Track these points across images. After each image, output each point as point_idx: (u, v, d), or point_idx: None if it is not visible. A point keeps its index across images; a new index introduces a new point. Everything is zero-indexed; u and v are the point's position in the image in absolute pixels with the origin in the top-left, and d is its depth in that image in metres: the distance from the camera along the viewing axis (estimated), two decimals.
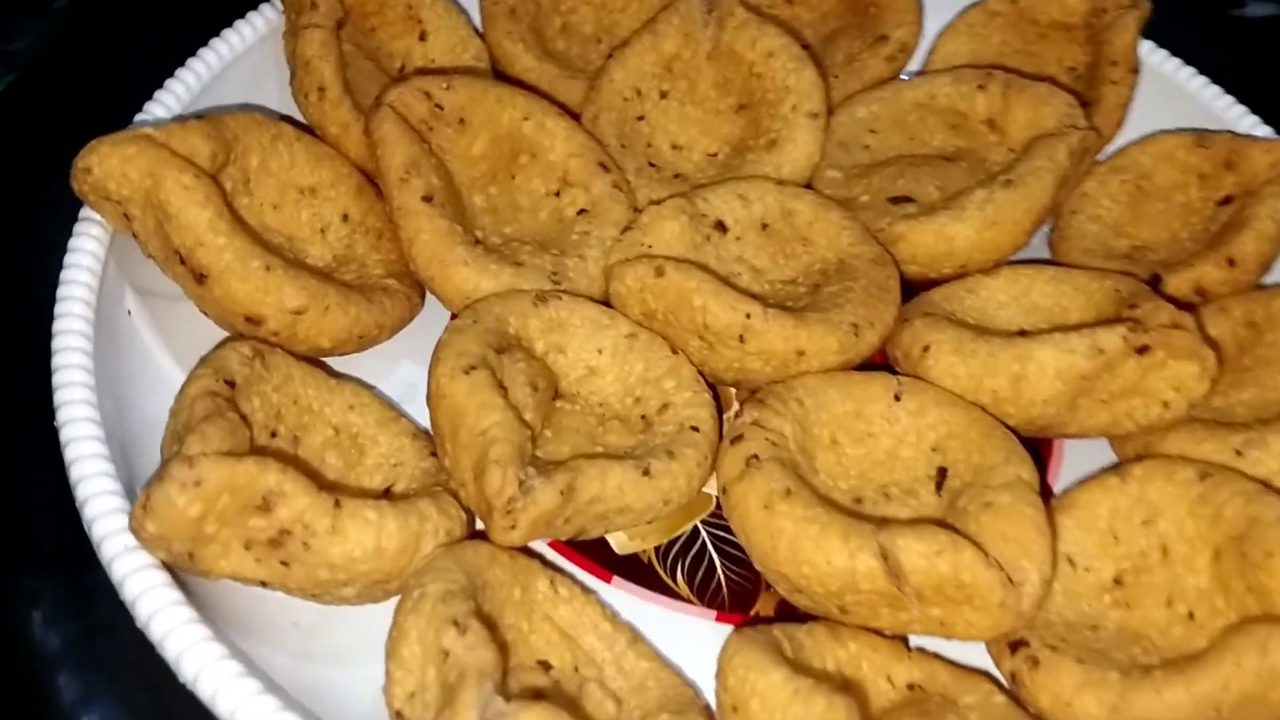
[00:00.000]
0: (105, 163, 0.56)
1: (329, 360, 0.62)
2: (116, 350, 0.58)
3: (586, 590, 0.53)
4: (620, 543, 0.59)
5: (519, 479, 0.50)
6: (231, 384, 0.52)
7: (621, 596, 0.57)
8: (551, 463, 0.54)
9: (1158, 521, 0.56)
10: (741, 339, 0.59)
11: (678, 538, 0.60)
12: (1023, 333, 0.64)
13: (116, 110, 0.65)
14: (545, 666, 0.51)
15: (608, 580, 0.57)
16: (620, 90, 0.71)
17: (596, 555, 0.58)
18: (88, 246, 0.59)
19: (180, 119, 0.61)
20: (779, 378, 0.60)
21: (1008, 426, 0.59)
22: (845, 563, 0.50)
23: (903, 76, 0.79)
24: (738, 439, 0.56)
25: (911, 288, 0.67)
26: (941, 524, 0.53)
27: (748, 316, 0.58)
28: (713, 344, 0.60)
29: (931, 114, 0.73)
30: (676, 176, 0.71)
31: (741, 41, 0.71)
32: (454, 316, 0.60)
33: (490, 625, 0.48)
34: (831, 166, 0.71)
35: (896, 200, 0.68)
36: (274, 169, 0.63)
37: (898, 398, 0.59)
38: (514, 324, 0.59)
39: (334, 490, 0.50)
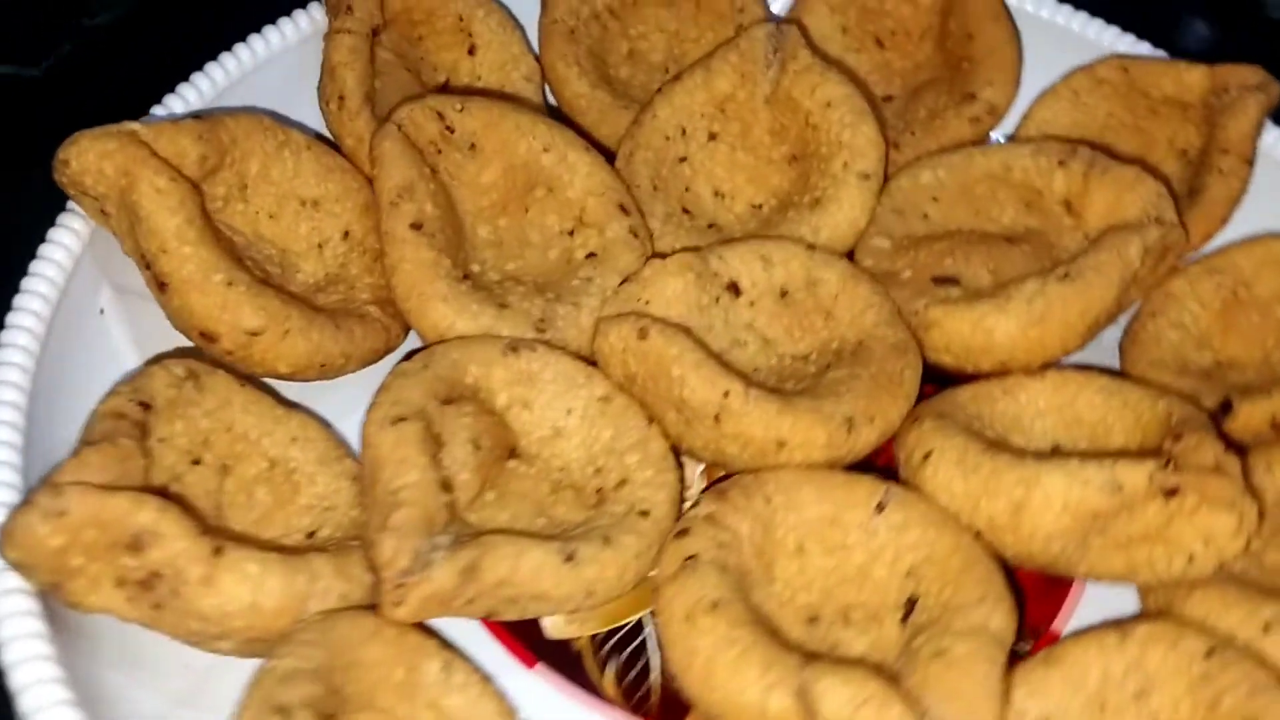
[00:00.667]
0: (82, 157, 0.54)
1: (303, 386, 0.59)
2: (79, 350, 0.57)
3: (485, 680, 0.48)
4: (554, 624, 0.54)
5: (415, 551, 0.46)
6: (147, 406, 0.50)
7: (541, 687, 0.52)
8: (473, 532, 0.50)
9: (1152, 695, 0.48)
10: (717, 419, 0.53)
11: (620, 628, 0.55)
12: (1056, 449, 0.57)
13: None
14: None
15: (530, 665, 0.53)
16: (663, 128, 0.66)
17: (524, 635, 0.54)
18: (63, 240, 0.57)
19: (194, 116, 0.60)
20: (757, 466, 0.54)
21: (1005, 559, 0.52)
22: (757, 697, 0.45)
23: (996, 139, 0.72)
24: (682, 533, 0.51)
25: (948, 379, 0.60)
26: (881, 668, 0.46)
27: (725, 395, 0.53)
28: (690, 420, 0.54)
29: (1004, 187, 0.65)
30: (711, 226, 0.66)
31: (800, 87, 0.65)
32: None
33: (347, 710, 0.44)
34: (881, 234, 0.64)
35: (940, 280, 0.62)
36: (275, 177, 0.61)
37: (881, 508, 0.53)
38: (474, 372, 0.54)
39: (224, 535, 0.47)
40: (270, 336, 0.55)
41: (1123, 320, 0.65)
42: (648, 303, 0.58)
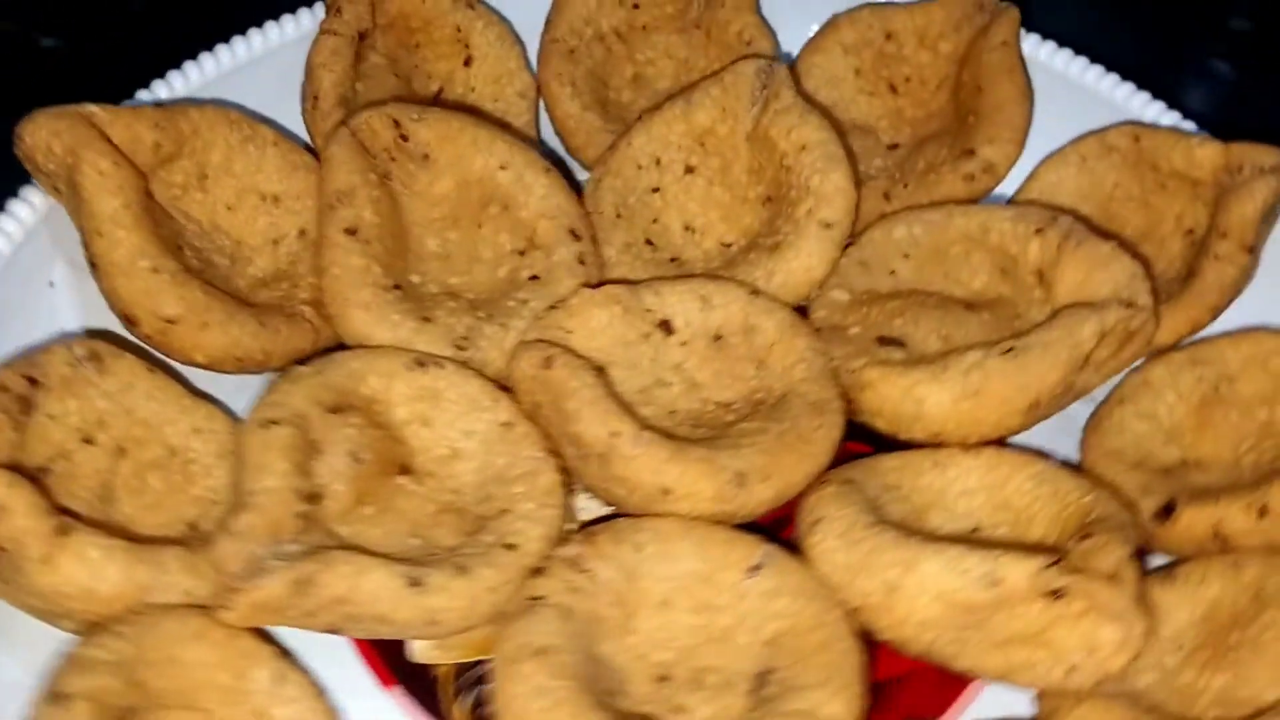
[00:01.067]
0: (35, 134, 0.56)
1: (235, 380, 0.59)
2: (22, 319, 0.59)
3: (319, 694, 0.48)
4: (421, 648, 0.54)
5: (250, 556, 0.46)
6: (34, 381, 0.51)
7: (390, 710, 0.51)
8: (334, 544, 0.49)
9: None
10: (604, 459, 0.52)
11: (484, 660, 0.53)
12: (975, 531, 0.54)
13: None
14: None
15: (387, 686, 0.52)
16: (636, 156, 0.65)
17: (387, 654, 0.53)
18: (18, 211, 0.59)
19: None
20: (644, 511, 0.53)
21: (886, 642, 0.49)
22: None
23: (1002, 196, 0.69)
24: (537, 572, 0.49)
25: (887, 442, 0.58)
26: None
27: (614, 435, 0.51)
28: (583, 456, 0.53)
29: (980, 250, 0.62)
30: (673, 260, 0.64)
31: (778, 127, 0.63)
32: None
33: (152, 706, 0.44)
34: (841, 286, 0.62)
35: (885, 341, 0.59)
36: (238, 170, 0.62)
37: (755, 570, 0.50)
38: (372, 383, 0.54)
39: (91, 520, 0.48)
40: (187, 326, 0.55)
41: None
42: (570, 332, 0.57)
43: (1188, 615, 0.51)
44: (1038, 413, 0.56)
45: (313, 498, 0.50)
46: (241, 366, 0.58)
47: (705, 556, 0.51)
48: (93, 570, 0.46)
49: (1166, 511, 0.54)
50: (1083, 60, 0.71)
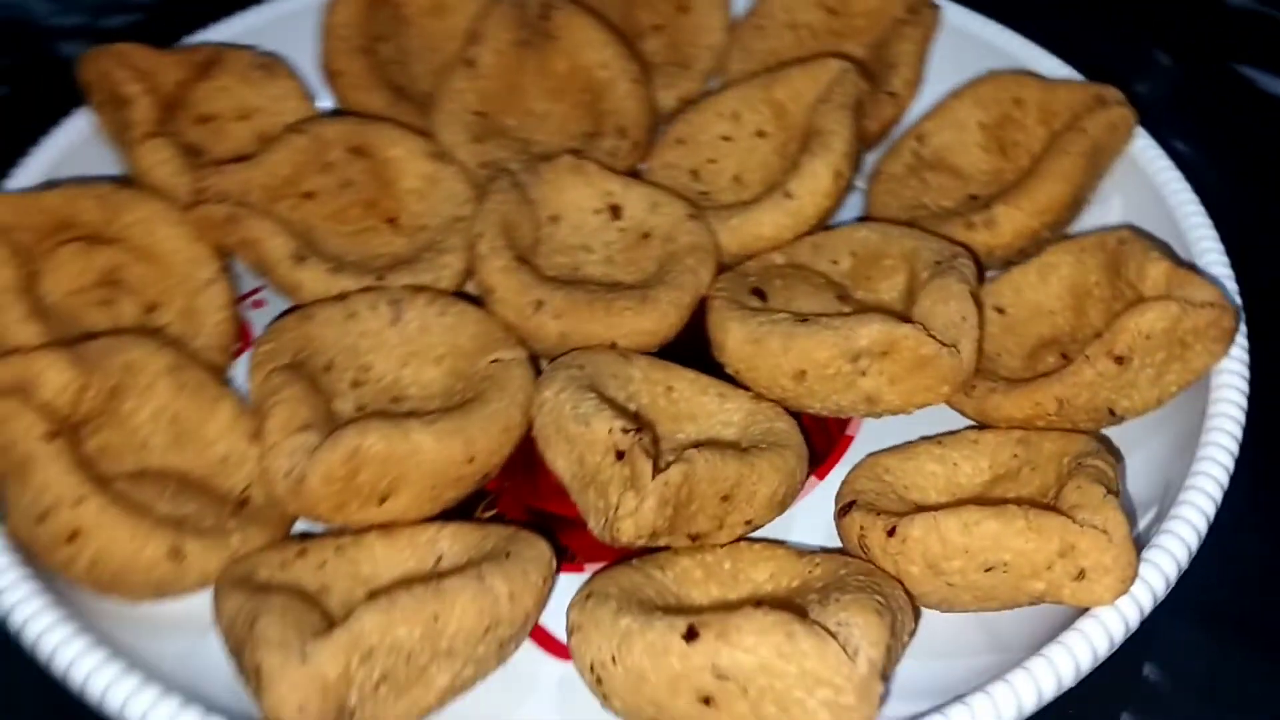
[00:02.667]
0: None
1: None
2: None
3: None
4: None
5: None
6: (214, 61, 0.77)
7: None
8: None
9: None
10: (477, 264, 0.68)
11: None
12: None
13: None
14: None
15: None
16: (719, 106, 0.77)
17: None
18: None
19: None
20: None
21: None
22: None
23: None
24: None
25: None
26: None
27: (483, 250, 0.67)
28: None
29: (904, 270, 0.68)
30: (703, 194, 0.76)
31: (818, 118, 0.73)
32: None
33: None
34: (784, 252, 0.71)
35: (754, 291, 0.67)
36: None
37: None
38: (397, 151, 0.74)
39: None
40: None
41: None
42: (549, 183, 0.72)
43: None
44: (804, 384, 0.62)
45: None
46: None
47: None
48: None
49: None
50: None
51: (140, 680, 0.51)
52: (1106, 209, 0.75)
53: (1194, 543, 0.56)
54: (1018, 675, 0.50)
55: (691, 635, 0.49)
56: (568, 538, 0.62)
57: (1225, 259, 0.67)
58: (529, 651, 0.58)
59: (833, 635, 0.48)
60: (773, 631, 0.48)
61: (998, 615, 0.57)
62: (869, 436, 0.67)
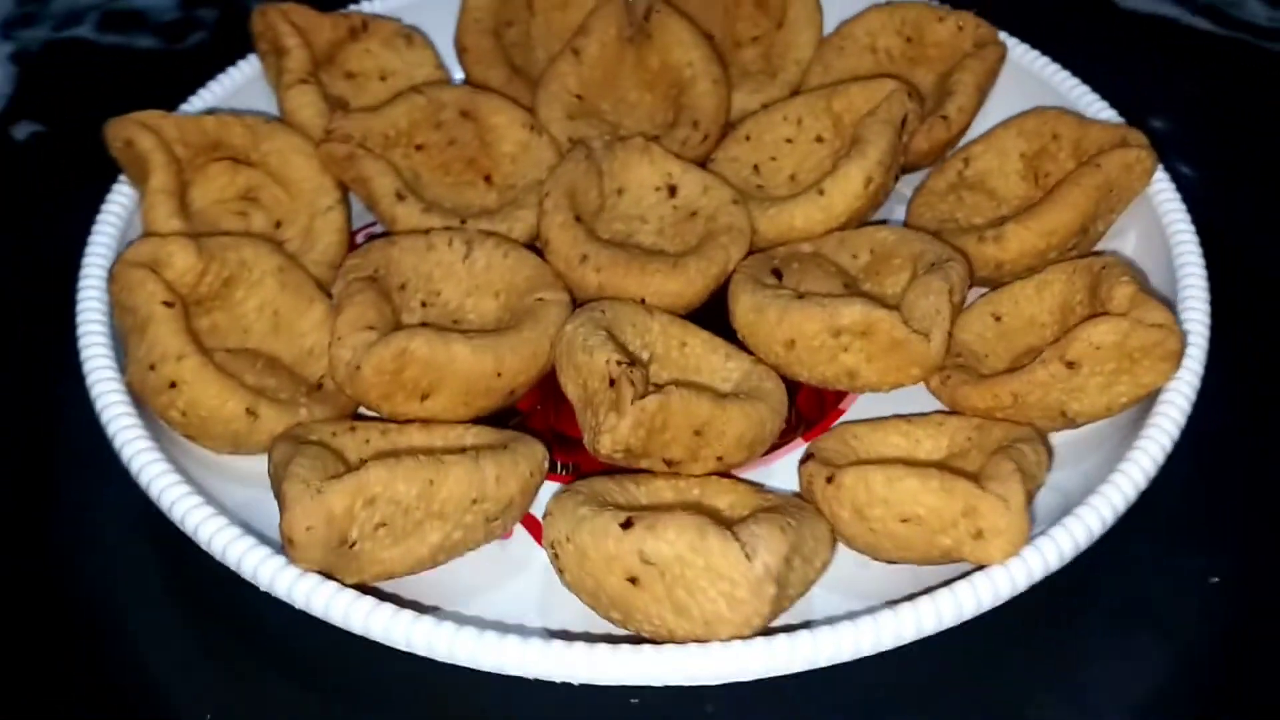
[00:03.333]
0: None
1: None
2: None
3: None
4: None
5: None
6: (365, 26, 0.91)
7: None
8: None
9: None
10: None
11: None
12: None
13: None
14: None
15: None
16: (785, 110, 0.86)
17: None
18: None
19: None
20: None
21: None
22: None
23: None
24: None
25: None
26: None
27: (549, 209, 0.79)
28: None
29: (909, 269, 0.77)
30: (759, 188, 0.86)
31: (862, 129, 0.82)
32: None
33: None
34: (812, 244, 0.80)
35: (774, 270, 0.77)
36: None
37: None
38: (498, 120, 0.87)
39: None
40: None
41: None
42: (620, 159, 0.83)
43: None
44: (793, 353, 0.72)
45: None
46: None
47: None
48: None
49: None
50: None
51: (212, 511, 0.64)
52: (1123, 241, 0.81)
53: (1096, 529, 0.63)
54: (892, 611, 0.59)
55: (627, 525, 0.59)
56: (578, 456, 0.73)
57: (1206, 296, 0.74)
58: (524, 538, 0.69)
59: (741, 542, 0.58)
60: (689, 530, 0.58)
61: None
62: (858, 412, 0.76)
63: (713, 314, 0.77)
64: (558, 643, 0.58)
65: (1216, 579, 0.70)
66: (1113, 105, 0.87)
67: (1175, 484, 0.68)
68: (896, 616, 0.59)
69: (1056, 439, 0.72)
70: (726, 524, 0.60)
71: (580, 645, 0.58)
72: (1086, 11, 1.15)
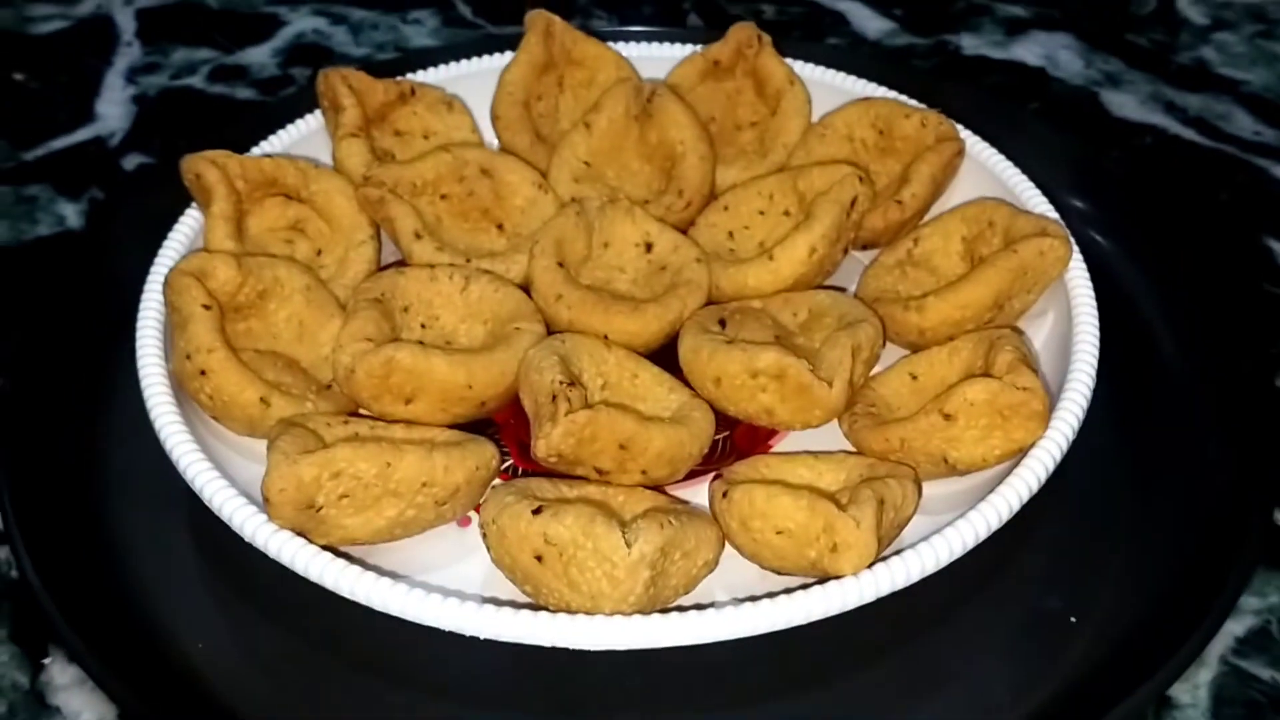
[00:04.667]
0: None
1: None
2: None
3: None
4: None
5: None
6: (413, 92, 1.07)
7: None
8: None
9: None
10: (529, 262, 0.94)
11: None
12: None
13: None
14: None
15: None
16: (760, 187, 0.99)
17: None
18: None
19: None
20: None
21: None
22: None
23: None
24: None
25: None
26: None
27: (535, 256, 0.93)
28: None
29: (836, 326, 0.89)
30: (731, 251, 0.99)
31: (816, 206, 0.94)
32: None
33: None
34: (760, 302, 0.93)
35: (720, 320, 0.90)
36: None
37: None
38: (512, 179, 1.01)
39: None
40: None
41: None
42: (608, 218, 0.97)
43: None
44: (720, 389, 0.84)
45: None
46: None
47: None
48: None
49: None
50: None
51: (214, 474, 0.79)
52: (1043, 318, 0.92)
53: (943, 558, 0.73)
54: (750, 604, 0.70)
55: (537, 511, 0.72)
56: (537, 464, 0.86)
57: (1091, 366, 0.84)
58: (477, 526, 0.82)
59: (624, 531, 0.70)
60: (583, 517, 0.70)
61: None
62: (785, 448, 0.88)
63: (670, 354, 0.89)
64: (469, 603, 0.71)
65: (1074, 619, 0.79)
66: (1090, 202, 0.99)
67: (1051, 529, 0.79)
68: (747, 610, 0.70)
69: (951, 484, 0.82)
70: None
71: (488, 607, 0.70)
72: (1078, 118, 1.26)
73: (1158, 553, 0.81)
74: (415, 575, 0.79)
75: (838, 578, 0.72)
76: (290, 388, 0.86)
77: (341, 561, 0.73)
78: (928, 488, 0.80)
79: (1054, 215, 0.95)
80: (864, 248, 0.99)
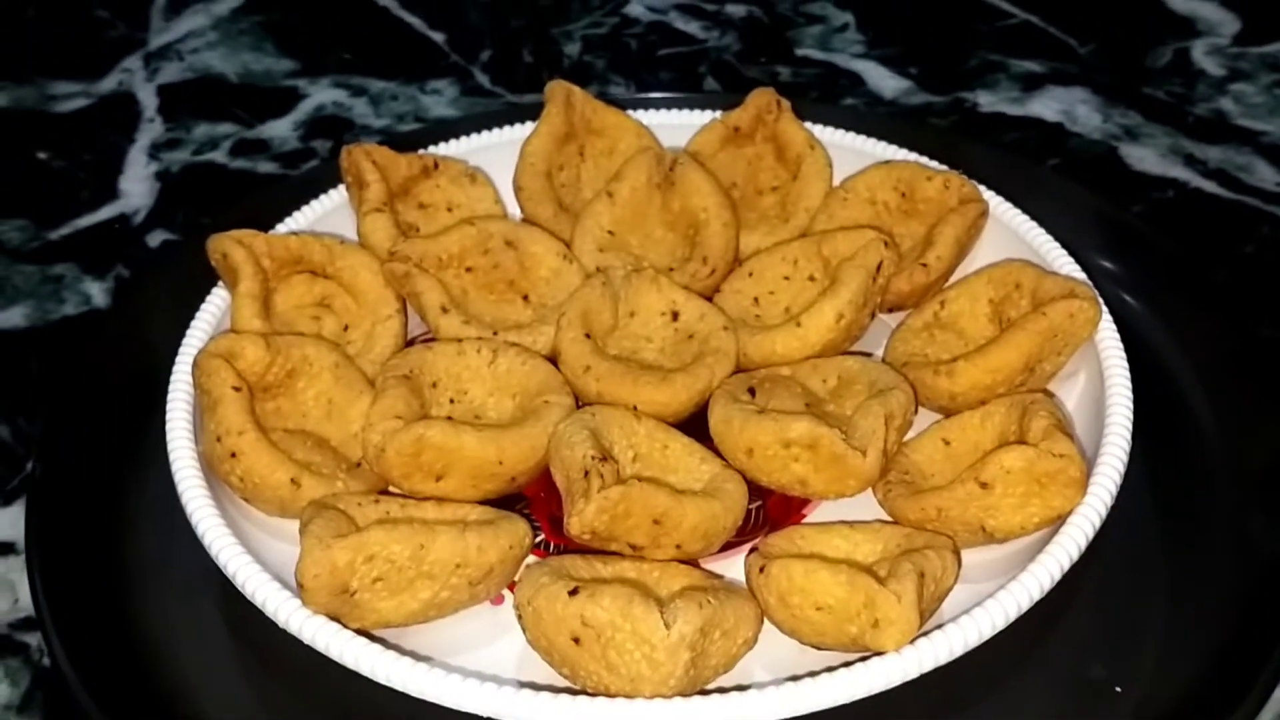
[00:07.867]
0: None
1: None
2: None
3: None
4: None
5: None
6: (436, 166, 1.07)
7: None
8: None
9: None
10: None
11: None
12: None
13: None
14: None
15: None
16: (784, 252, 0.99)
17: None
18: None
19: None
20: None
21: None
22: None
23: None
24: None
25: None
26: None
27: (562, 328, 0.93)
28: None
29: (867, 393, 0.88)
30: (757, 317, 0.99)
31: (840, 270, 0.94)
32: None
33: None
34: (790, 369, 0.93)
35: (750, 389, 0.89)
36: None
37: None
38: (537, 249, 1.01)
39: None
40: None
41: None
42: (634, 287, 0.97)
43: None
44: (753, 460, 0.83)
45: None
46: None
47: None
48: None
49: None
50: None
51: (248, 558, 0.78)
52: (1074, 381, 0.91)
53: (985, 632, 0.72)
54: (792, 684, 0.69)
55: (574, 592, 0.71)
56: (570, 540, 0.86)
57: (1126, 434, 0.83)
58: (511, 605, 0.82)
59: (663, 612, 0.69)
60: (621, 598, 0.70)
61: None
62: (819, 518, 0.87)
63: (700, 423, 0.89)
64: (507, 688, 0.70)
65: (1119, 689, 0.78)
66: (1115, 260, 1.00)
67: (1089, 596, 0.78)
68: (789, 690, 0.69)
69: (988, 551, 0.81)
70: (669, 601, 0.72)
71: (525, 691, 0.70)
72: (1098, 173, 1.26)
73: (1201, 621, 0.80)
74: (449, 657, 0.78)
75: (880, 654, 0.71)
76: (320, 467, 0.86)
77: (378, 647, 0.72)
78: (965, 555, 0.79)
79: (1081, 276, 0.95)
80: (890, 310, 0.99)
